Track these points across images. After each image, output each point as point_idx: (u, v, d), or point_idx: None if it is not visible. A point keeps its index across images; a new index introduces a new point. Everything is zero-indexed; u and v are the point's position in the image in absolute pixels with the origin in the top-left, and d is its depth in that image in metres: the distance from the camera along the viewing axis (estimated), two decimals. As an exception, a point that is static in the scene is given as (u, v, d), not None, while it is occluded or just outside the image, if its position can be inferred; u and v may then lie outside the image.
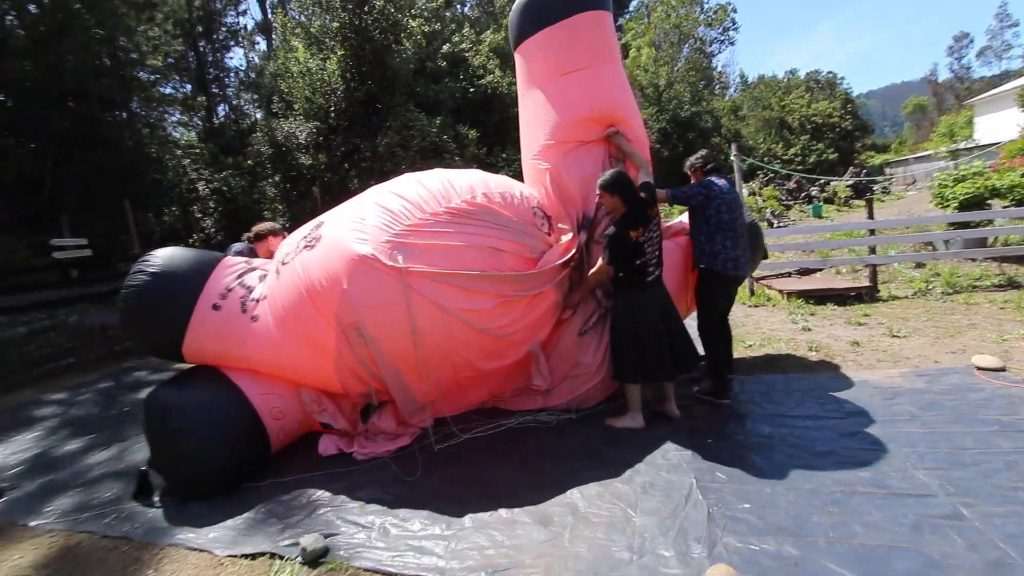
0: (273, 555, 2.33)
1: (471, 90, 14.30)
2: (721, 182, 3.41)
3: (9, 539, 2.79)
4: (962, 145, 19.92)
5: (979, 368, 3.63)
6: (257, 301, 3.27)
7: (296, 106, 12.03)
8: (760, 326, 5.36)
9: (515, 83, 4.10)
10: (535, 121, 3.63)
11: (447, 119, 12.31)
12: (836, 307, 5.77)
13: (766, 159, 28.87)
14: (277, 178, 11.81)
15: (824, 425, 3.08)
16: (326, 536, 2.40)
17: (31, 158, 11.17)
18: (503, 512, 2.48)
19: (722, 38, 33.04)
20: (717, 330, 3.54)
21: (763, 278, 7.15)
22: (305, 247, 3.17)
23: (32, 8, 11.67)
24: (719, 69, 36.42)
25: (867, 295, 5.98)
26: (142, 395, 5.21)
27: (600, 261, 3.15)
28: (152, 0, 13.12)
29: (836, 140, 29.41)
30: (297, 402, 3.31)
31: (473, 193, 3.19)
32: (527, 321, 3.28)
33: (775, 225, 13.27)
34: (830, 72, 35.86)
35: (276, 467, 3.14)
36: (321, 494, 2.80)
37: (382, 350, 2.99)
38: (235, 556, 2.37)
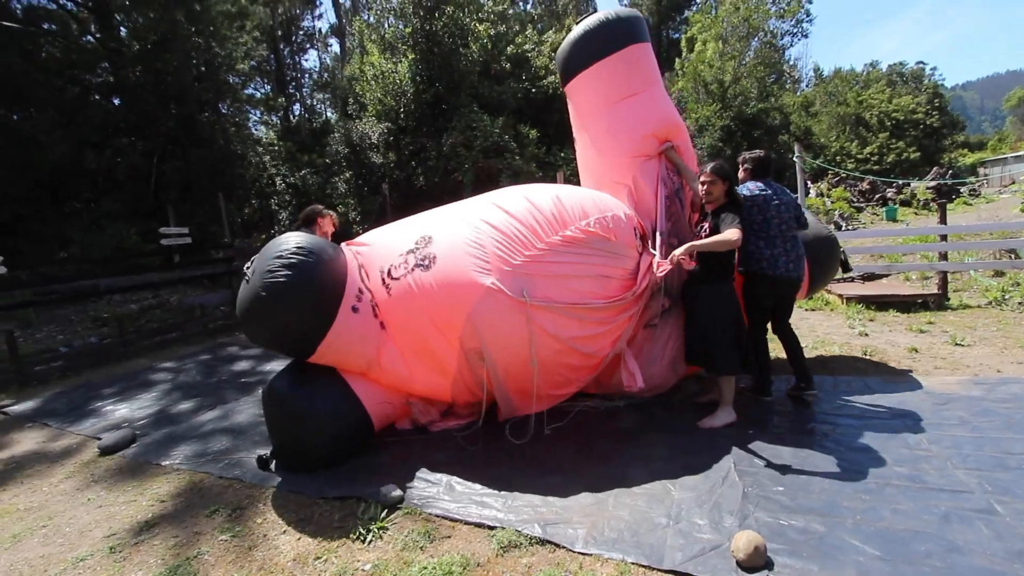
0: (359, 499, 2.77)
1: (532, 91, 14.63)
2: (754, 185, 3.53)
3: (148, 474, 3.42)
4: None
5: (1044, 379, 3.56)
6: (378, 305, 3.30)
7: (369, 108, 12.84)
8: (815, 329, 5.35)
9: None
10: (604, 144, 3.89)
11: (509, 119, 12.72)
12: (899, 314, 5.64)
13: (839, 158, 27.31)
14: (349, 175, 12.68)
15: (868, 424, 3.18)
16: (403, 488, 2.81)
17: (140, 155, 12.60)
18: (555, 479, 2.80)
19: (795, 30, 31.39)
20: (764, 331, 3.66)
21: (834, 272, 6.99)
22: (417, 266, 3.16)
23: (140, 20, 13.07)
24: (791, 62, 34.65)
25: (934, 302, 5.80)
26: (235, 367, 5.97)
27: (728, 230, 3.11)
28: (244, 10, 14.38)
29: (920, 138, 27.33)
30: (404, 408, 3.52)
31: (587, 219, 3.25)
32: (619, 335, 3.43)
33: (843, 228, 12.72)
34: (919, 63, 33.15)
35: None
36: (397, 456, 3.23)
37: (499, 374, 3.17)
38: (327, 498, 2.83)
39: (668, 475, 2.76)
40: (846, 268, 4.26)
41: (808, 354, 4.58)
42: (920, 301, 5.87)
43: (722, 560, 2.06)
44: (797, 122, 28.45)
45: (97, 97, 13.22)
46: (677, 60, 29.09)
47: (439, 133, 11.67)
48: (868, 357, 4.36)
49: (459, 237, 3.17)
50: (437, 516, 2.58)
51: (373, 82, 11.97)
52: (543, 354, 3.13)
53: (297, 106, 27.10)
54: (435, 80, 11.82)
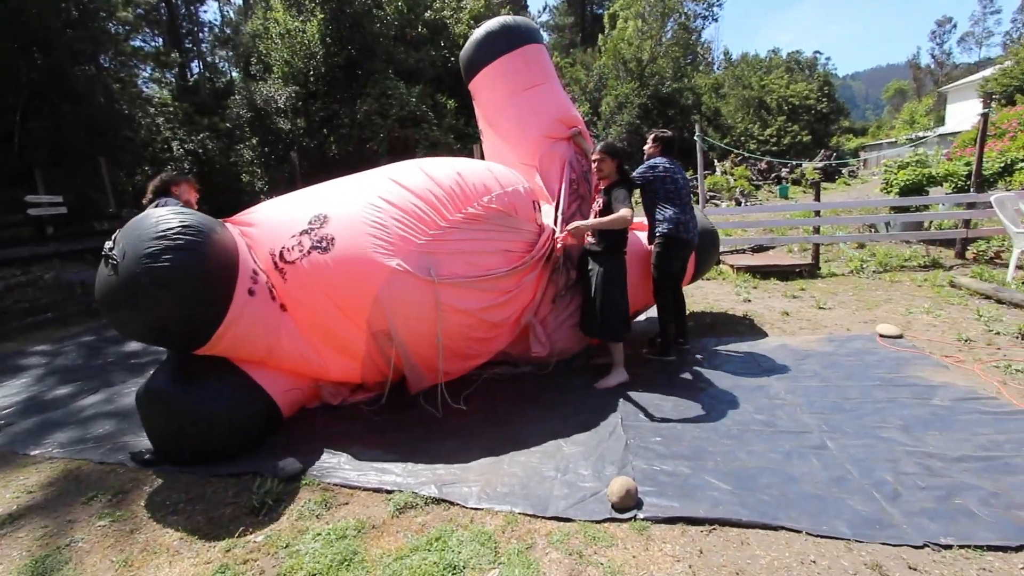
0: (255, 474, 2.71)
1: (451, 59, 14.25)
2: (662, 160, 3.87)
3: (14, 465, 3.12)
4: (922, 133, 20.60)
5: (881, 335, 4.16)
6: (275, 289, 3.12)
7: (275, 69, 11.92)
8: (707, 296, 5.85)
9: None
10: (511, 129, 4.16)
11: (426, 88, 12.35)
12: (779, 282, 6.29)
13: (743, 139, 29.33)
14: (255, 141, 11.79)
15: (739, 379, 3.57)
16: (301, 460, 2.79)
17: (-1, 112, 10.90)
18: (456, 443, 2.91)
19: (706, 13, 32.95)
20: (671, 296, 3.99)
21: (720, 253, 7.64)
22: (314, 248, 3.01)
23: (-7, -49, 11.14)
24: (704, 44, 36.38)
25: (807, 272, 6.52)
26: (125, 347, 5.50)
27: (622, 210, 3.33)
28: (122, -52, 12.64)
29: (811, 122, 30.01)
30: (313, 391, 3.42)
31: (488, 195, 3.29)
32: (525, 302, 3.56)
33: (743, 204, 13.79)
34: (816, 52, 36.20)
35: None
36: (299, 431, 3.18)
37: (408, 352, 3.18)
38: (220, 476, 2.75)
39: (562, 433, 2.95)
40: (717, 262, 4.81)
41: (699, 316, 5.03)
42: (797, 271, 6.57)
43: (599, 505, 2.27)
44: (708, 103, 30.10)
45: (-65, 39, 11.16)
46: (600, 36, 29.52)
47: (352, 100, 11.10)
48: (748, 320, 4.86)
49: (358, 217, 3.05)
50: (336, 485, 2.60)
51: (279, 40, 11.08)
52: (452, 328, 3.18)
53: (196, 63, 24.51)
54: (347, 43, 11.15)
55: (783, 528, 2.07)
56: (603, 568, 1.90)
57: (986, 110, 6.62)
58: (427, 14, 14.31)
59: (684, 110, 25.53)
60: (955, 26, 58.87)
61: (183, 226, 2.60)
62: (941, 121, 28.38)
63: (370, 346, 3.15)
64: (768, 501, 2.23)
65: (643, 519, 2.16)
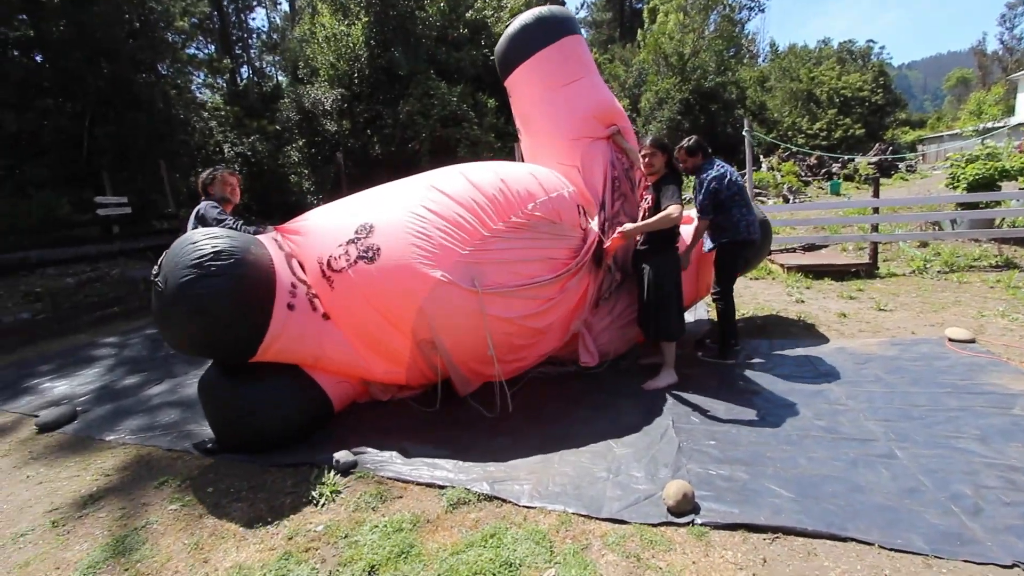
0: (312, 465, 2.81)
1: (491, 58, 14.31)
2: (718, 163, 3.79)
3: (91, 449, 3.33)
4: (991, 124, 19.23)
5: (951, 340, 3.92)
6: (319, 297, 3.18)
7: (321, 72, 12.27)
8: (756, 297, 5.65)
9: None
10: (549, 128, 4.03)
11: (467, 87, 12.45)
12: (833, 282, 6.02)
13: (790, 133, 28.21)
14: (302, 143, 12.18)
15: (795, 383, 3.43)
16: (355, 453, 2.87)
17: (69, 118, 11.67)
18: (505, 441, 2.92)
19: (752, 4, 31.80)
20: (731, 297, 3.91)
21: (769, 252, 7.38)
22: (360, 258, 3.04)
23: (65, -32, 11.90)
24: (749, 36, 35.18)
25: (865, 271, 6.21)
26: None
27: (670, 207, 3.23)
28: (180, -39, 13.29)
29: (865, 115, 28.54)
30: (362, 387, 3.50)
31: (532, 201, 3.27)
32: (568, 308, 3.52)
33: (791, 201, 13.27)
34: (869, 41, 34.28)
35: None
36: (351, 425, 3.26)
37: (453, 359, 3.19)
38: (279, 466, 2.86)
39: (611, 434, 2.92)
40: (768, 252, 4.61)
41: (749, 318, 4.87)
42: (853, 270, 6.27)
43: (654, 507, 2.23)
44: (753, 97, 29.10)
45: (16, 53, 12.07)
46: (639, 31, 29.00)
47: (395, 101, 11.30)
48: (801, 322, 4.67)
49: (402, 226, 3.06)
50: (390, 479, 2.65)
51: (325, 45, 11.39)
52: (495, 337, 3.17)
53: (245, 68, 25.56)
54: (390, 44, 11.35)
55: (852, 539, 1.97)
56: (662, 572, 1.87)
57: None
58: (468, 14, 14.42)
59: (728, 104, 24.76)
60: (1026, 8, 54.56)
61: (215, 252, 2.71)
62: (1011, 111, 26.44)
63: (415, 354, 3.18)
64: (834, 511, 2.14)
65: (702, 524, 2.11)
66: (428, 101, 11.01)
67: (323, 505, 2.46)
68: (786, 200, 13.63)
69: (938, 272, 6.04)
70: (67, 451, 3.34)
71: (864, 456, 2.53)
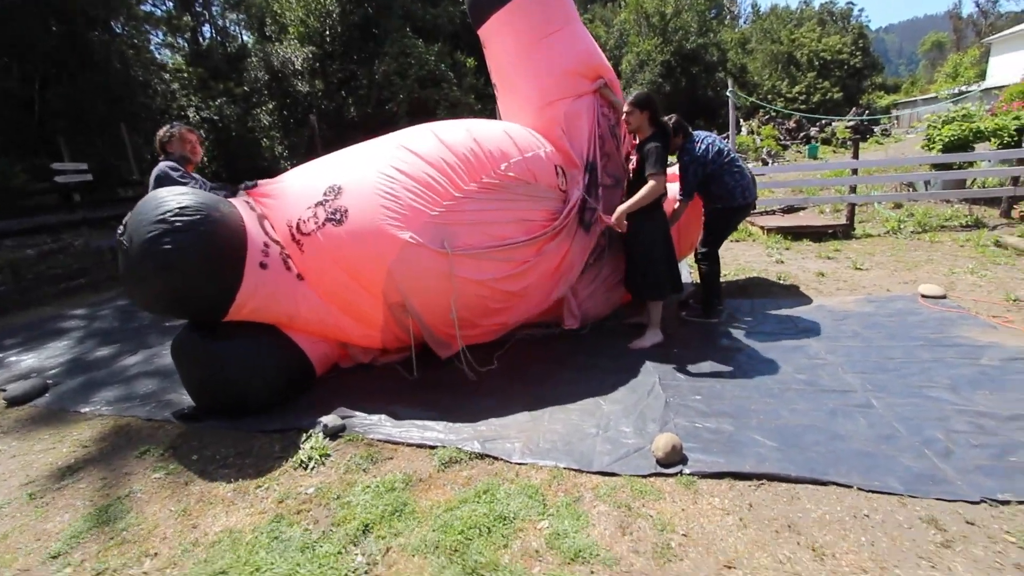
0: (299, 430, 2.78)
1: (469, 15, 13.74)
2: (699, 139, 3.73)
3: (66, 422, 3.24)
4: (964, 88, 19.47)
5: (923, 296, 4.04)
6: (291, 258, 3.13)
7: (291, 29, 11.63)
8: (737, 258, 5.72)
9: None
10: (529, 86, 3.73)
11: (445, 46, 11.97)
12: (811, 243, 6.11)
13: (770, 96, 28.15)
14: (272, 106, 11.65)
15: (777, 339, 3.50)
16: (343, 417, 2.84)
17: (18, 81, 10.91)
18: (493, 402, 2.93)
19: (735, -37, 31.08)
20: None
21: (749, 215, 7.44)
22: (328, 220, 2.99)
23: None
24: (730, -3, 34.55)
25: (842, 232, 6.31)
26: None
27: (651, 182, 3.19)
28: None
29: (843, 78, 28.62)
30: (341, 349, 3.45)
31: (506, 161, 3.20)
32: (546, 271, 3.47)
33: (770, 163, 13.34)
34: (849, 3, 34.01)
35: None
36: (338, 389, 3.22)
37: (425, 322, 3.18)
38: (266, 431, 2.82)
39: (599, 392, 2.95)
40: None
41: (731, 279, 4.93)
42: (830, 231, 6.37)
43: (644, 460, 2.27)
44: (734, 59, 28.81)
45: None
46: (620, -11, 28.22)
47: (370, 60, 10.82)
48: (782, 282, 4.75)
49: (370, 187, 2.99)
50: (379, 441, 2.64)
51: (293, 0, 10.77)
52: (469, 300, 3.14)
53: (207, 27, 24.08)
54: (362, 1, 10.78)
55: (833, 483, 2.05)
56: (652, 520, 1.92)
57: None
58: (443, -32, 13.75)
59: (709, 67, 24.47)
60: (1002, -29, 54.56)
61: (180, 208, 2.63)
62: (982, 76, 26.76)
63: (387, 316, 3.14)
64: (815, 458, 2.21)
65: (689, 474, 2.16)
66: (405, 60, 10.57)
67: (313, 468, 2.45)
68: (765, 163, 13.69)
69: (911, 232, 6.18)
70: (40, 424, 3.24)
71: (843, 406, 2.61)
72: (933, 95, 26.30)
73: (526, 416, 2.75)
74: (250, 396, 2.94)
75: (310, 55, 10.93)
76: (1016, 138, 7.36)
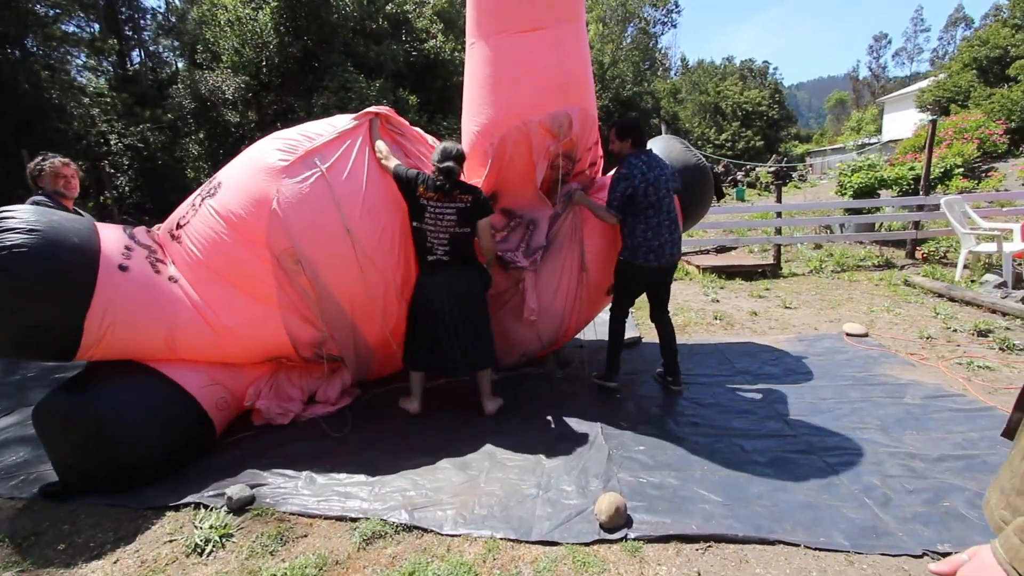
0: (197, 505, 2.40)
1: (413, 54, 13.89)
2: (642, 160, 3.11)
3: (-97, 502, 2.66)
4: (867, 140, 21.73)
5: (848, 334, 4.21)
6: (163, 262, 2.85)
7: (224, 58, 11.22)
8: (676, 297, 5.81)
9: (460, 49, 3.94)
10: (480, 85, 3.04)
11: (387, 83, 11.95)
12: (744, 282, 6.35)
13: (700, 143, 30.16)
14: (202, 135, 11.06)
15: (716, 382, 3.50)
16: (252, 487, 2.49)
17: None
18: (426, 460, 2.68)
19: (665, 19, 33.73)
20: (624, 320, 3.39)
21: (685, 255, 7.70)
22: (207, 197, 2.89)
23: None
24: (662, 50, 37.28)
25: (770, 272, 6.62)
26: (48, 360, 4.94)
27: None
28: (49, -77, 11.66)
29: (764, 128, 31.22)
30: (242, 388, 3.08)
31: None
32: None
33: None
34: (765, 61, 37.62)
35: None
36: (249, 452, 2.85)
37: (318, 273, 2.84)
38: (156, 508, 2.42)
39: (541, 444, 2.78)
40: (719, 195, 4.13)
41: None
42: (760, 271, 6.67)
43: (587, 524, 2.10)
44: (667, 107, 30.80)
45: None
46: (560, 38, 29.67)
47: (309, 92, 10.57)
48: (718, 320, 4.84)
49: (244, 159, 3.01)
50: (293, 514, 2.32)
51: (228, 28, 10.40)
52: (361, 225, 2.85)
53: (137, 52, 22.93)
54: (303, 32, 10.61)
55: (780, 542, 1.96)
56: (596, 599, 1.74)
57: (934, 116, 6.92)
58: (388, 7, 13.89)
59: (644, 113, 25.98)
60: (890, 41, 62.50)
61: (6, 212, 2.33)
62: (879, 131, 30.10)
63: (282, 282, 2.81)
64: (761, 512, 2.13)
65: (635, 539, 2.01)
66: (345, 95, 10.41)
67: (210, 553, 2.09)
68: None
69: (832, 271, 6.58)
70: None
71: (783, 453, 2.58)
72: (840, 146, 29.20)
73: (461, 477, 2.52)
74: (130, 465, 2.52)
75: (243, 85, 10.53)
76: (913, 186, 8.13)
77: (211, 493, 2.47)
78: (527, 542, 2.04)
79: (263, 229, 2.73)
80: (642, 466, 2.52)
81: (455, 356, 3.01)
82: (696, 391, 3.37)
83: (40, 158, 3.14)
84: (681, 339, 4.37)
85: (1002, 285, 5.08)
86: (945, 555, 1.85)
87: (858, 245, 7.80)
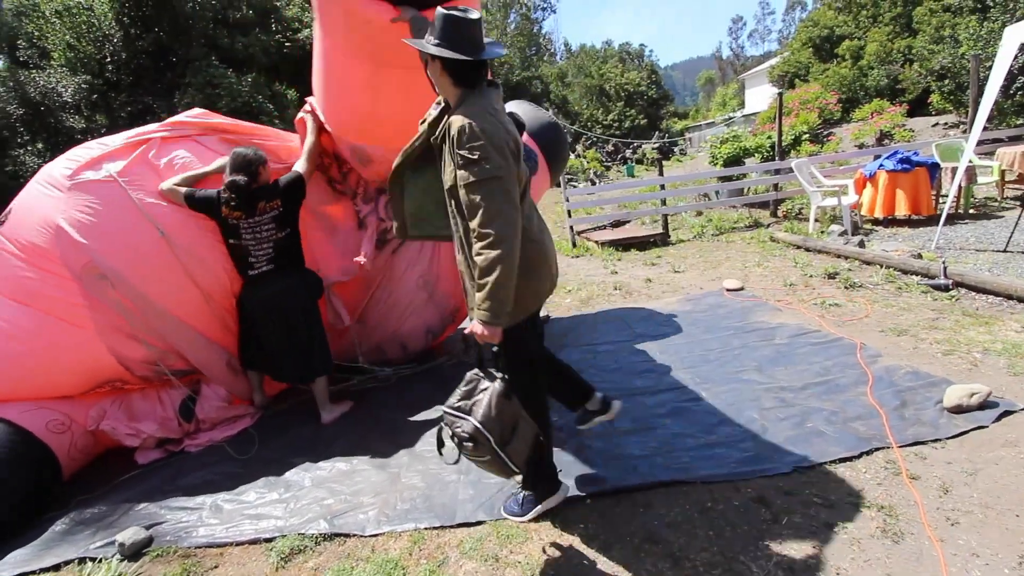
0: (83, 559, 2.15)
1: (287, 44, 12.98)
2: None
3: None
4: (732, 114, 24.05)
5: (728, 289, 4.69)
6: None
7: (55, 55, 9.69)
8: (579, 273, 6.11)
9: None
10: (322, 80, 2.88)
11: (261, 77, 11.08)
12: (638, 252, 6.81)
13: (590, 124, 31.49)
14: (40, 145, 9.53)
15: (618, 347, 3.74)
16: (148, 527, 2.27)
17: None
18: (342, 465, 2.61)
19: (544, 5, 34.55)
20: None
21: (583, 231, 8.07)
22: None
23: None
24: (546, 36, 38.25)
25: (660, 241, 7.16)
26: None
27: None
28: None
29: (645, 107, 33.26)
30: (80, 409, 2.79)
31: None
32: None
33: (597, 183, 14.78)
34: (641, 44, 40.08)
35: (82, 484, 2.70)
36: (140, 492, 2.58)
37: (133, 285, 2.65)
38: (31, 573, 2.13)
39: (459, 431, 2.81)
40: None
41: (575, 294, 5.22)
42: (651, 240, 7.18)
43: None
44: (555, 91, 31.70)
45: None
46: (445, 25, 29.29)
47: (169, 91, 9.49)
48: (618, 289, 5.16)
49: (34, 179, 2.78)
50: (200, 547, 2.16)
51: (56, 20, 8.97)
52: (175, 227, 2.72)
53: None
54: (152, 24, 9.46)
55: (677, 482, 2.17)
56: (521, 567, 1.82)
57: (780, 91, 7.81)
58: (251, -5, 12.82)
59: (534, 98, 26.57)
60: (745, 24, 69.32)
61: None
62: (742, 104, 33.41)
63: (88, 297, 2.58)
64: (661, 461, 2.33)
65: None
66: (212, 92, 9.49)
67: (102, 609, 1.89)
68: (593, 183, 15.14)
69: (712, 235, 7.26)
70: None
71: (679, 403, 2.84)
72: (712, 120, 32.01)
73: (381, 476, 2.49)
74: None
75: (84, 85, 9.19)
76: (771, 153, 9.15)
77: (98, 544, 2.21)
78: (451, 527, 2.07)
79: (55, 249, 2.55)
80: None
81: (278, 366, 3.01)
82: (601, 359, 3.58)
83: None
84: (585, 311, 4.63)
85: (843, 233, 5.93)
86: (810, 468, 2.17)
87: (731, 209, 8.65)
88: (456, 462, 1.77)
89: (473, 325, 1.64)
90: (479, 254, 1.55)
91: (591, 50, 39.23)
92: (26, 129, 9.04)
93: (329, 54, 2.64)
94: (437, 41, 1.60)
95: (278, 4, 13.40)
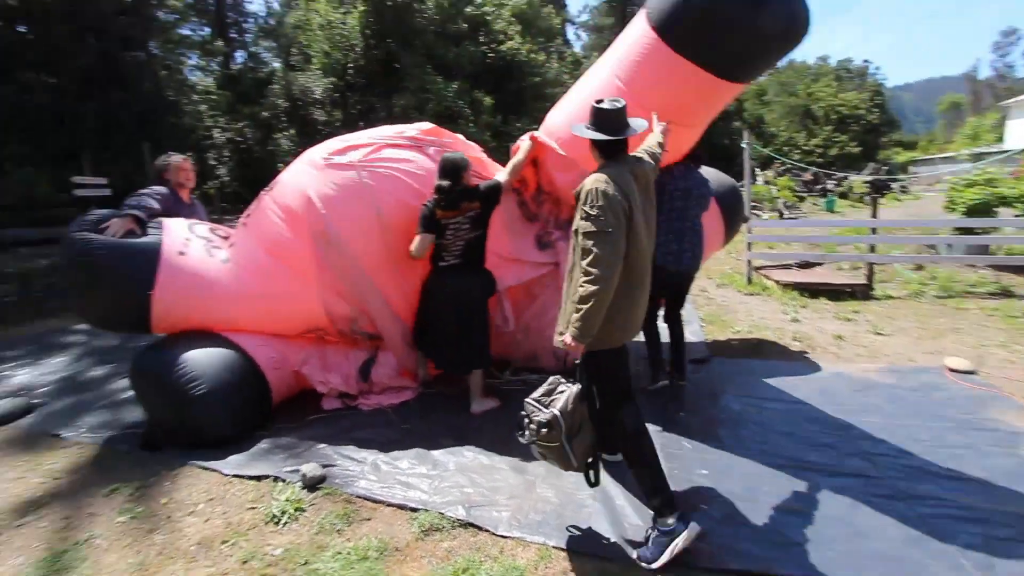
0: (276, 478, 2.61)
1: (490, 55, 14.10)
2: (680, 175, 3.37)
3: (44, 447, 3.11)
4: (985, 149, 19.41)
5: (950, 369, 3.80)
6: (219, 247, 3.33)
7: (314, 60, 11.97)
8: (751, 313, 5.53)
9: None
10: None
11: (464, 84, 12.23)
12: (828, 301, 5.91)
13: (786, 148, 28.32)
14: (293, 131, 11.88)
15: (791, 409, 3.29)
16: (324, 467, 2.67)
17: (52, 93, 11.29)
18: (483, 459, 2.75)
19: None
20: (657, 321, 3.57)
21: (762, 268, 7.29)
22: (265, 193, 3.42)
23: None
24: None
25: (860, 292, 6.11)
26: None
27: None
28: (176, -62, 12.96)
29: (861, 133, 28.72)
30: (292, 352, 3.39)
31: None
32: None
33: (784, 216, 13.24)
34: (865, 61, 34.66)
35: (282, 416, 3.26)
36: (322, 434, 3.05)
37: (350, 253, 3.20)
38: (242, 476, 2.65)
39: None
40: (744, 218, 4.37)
41: (744, 336, 4.74)
42: (848, 290, 6.17)
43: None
44: (751, 109, 29.19)
45: None
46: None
47: (389, 93, 11.05)
48: (798, 343, 4.54)
49: (300, 158, 3.47)
50: (359, 497, 2.46)
51: (319, 32, 11.09)
52: (392, 211, 3.23)
53: (240, 53, 25.05)
54: (387, 35, 11.10)
55: (852, 591, 1.82)
56: (650, 623, 1.70)
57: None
58: (468, 9, 14.19)
59: (726, 115, 24.78)
60: (1020, 38, 55.28)
61: (84, 216, 3.09)
62: (1000, 139, 26.78)
63: (319, 258, 3.19)
64: (833, 557, 1.99)
65: (705, 568, 1.94)
66: (424, 96, 10.78)
67: (285, 524, 2.27)
68: (780, 215, 13.60)
69: (935, 297, 5.97)
70: (17, 448, 3.12)
71: (865, 495, 2.38)
72: (951, 154, 26.28)
73: (517, 479, 2.56)
74: (208, 413, 2.91)
75: (330, 86, 11.18)
76: (1040, 206, 7.18)
77: (288, 468, 2.67)
78: (580, 553, 2.03)
79: (303, 212, 3.16)
80: (705, 492, 2.43)
81: (442, 353, 3.32)
82: (768, 416, 3.19)
83: (165, 155, 3.69)
84: (754, 359, 4.17)
85: None
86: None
87: (969, 269, 7.01)
88: (532, 442, 2.06)
89: (564, 337, 1.97)
90: (582, 286, 1.89)
91: (801, 66, 35.14)
92: (287, 119, 11.38)
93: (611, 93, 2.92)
94: (588, 125, 2.15)
95: (489, 17, 14.63)
